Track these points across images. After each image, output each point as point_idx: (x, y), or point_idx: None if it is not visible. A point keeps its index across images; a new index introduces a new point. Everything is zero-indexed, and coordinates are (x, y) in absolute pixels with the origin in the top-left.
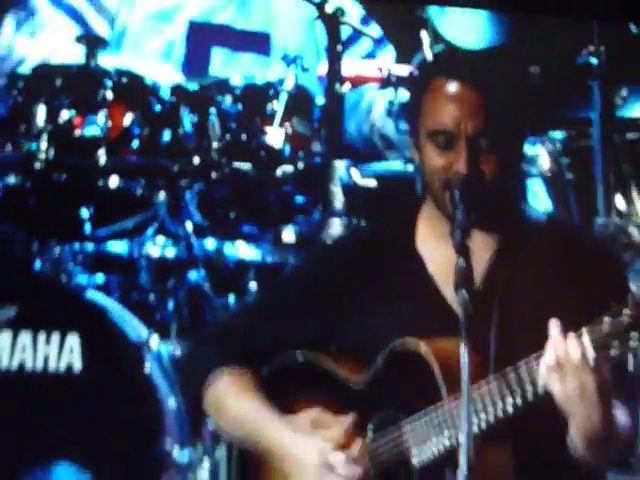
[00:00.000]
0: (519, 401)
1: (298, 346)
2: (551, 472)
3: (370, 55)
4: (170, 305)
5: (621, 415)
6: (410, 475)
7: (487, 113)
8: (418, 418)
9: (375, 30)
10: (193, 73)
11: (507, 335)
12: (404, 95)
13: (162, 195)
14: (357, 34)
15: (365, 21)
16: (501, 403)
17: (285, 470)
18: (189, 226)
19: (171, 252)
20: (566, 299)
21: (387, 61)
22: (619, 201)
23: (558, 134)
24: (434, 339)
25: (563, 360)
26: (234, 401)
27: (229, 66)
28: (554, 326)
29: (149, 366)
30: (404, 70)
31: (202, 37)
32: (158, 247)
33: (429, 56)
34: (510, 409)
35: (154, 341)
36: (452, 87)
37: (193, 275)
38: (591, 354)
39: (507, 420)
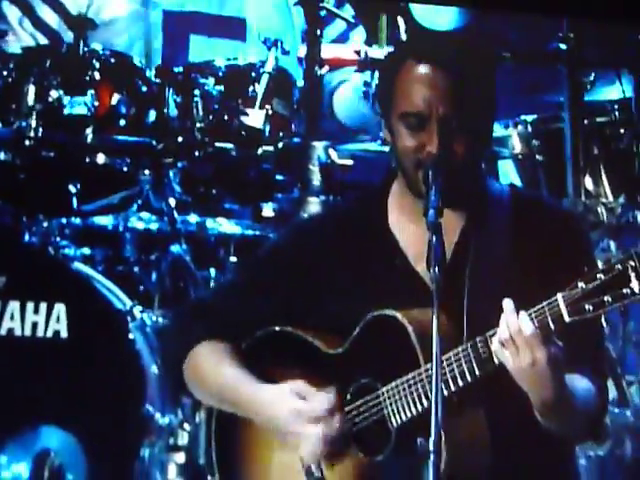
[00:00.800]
0: (487, 368)
1: (276, 322)
2: (524, 436)
3: (343, 37)
4: (153, 277)
5: (586, 388)
6: (387, 437)
7: (458, 94)
8: (396, 384)
9: (349, 13)
10: (173, 61)
11: (479, 305)
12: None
13: (147, 172)
14: (331, 16)
15: (339, 3)
16: (469, 370)
17: (264, 430)
18: (172, 202)
19: (155, 226)
20: (534, 268)
21: (360, 43)
22: (588, 182)
23: (529, 117)
24: (410, 310)
25: (515, 336)
26: (214, 368)
27: (207, 53)
28: (507, 306)
29: (133, 334)
30: (381, 53)
31: (179, 25)
32: (142, 222)
33: (402, 38)
34: (477, 374)
35: (138, 311)
36: (423, 69)
37: (176, 249)
38: (567, 318)
39: (479, 385)
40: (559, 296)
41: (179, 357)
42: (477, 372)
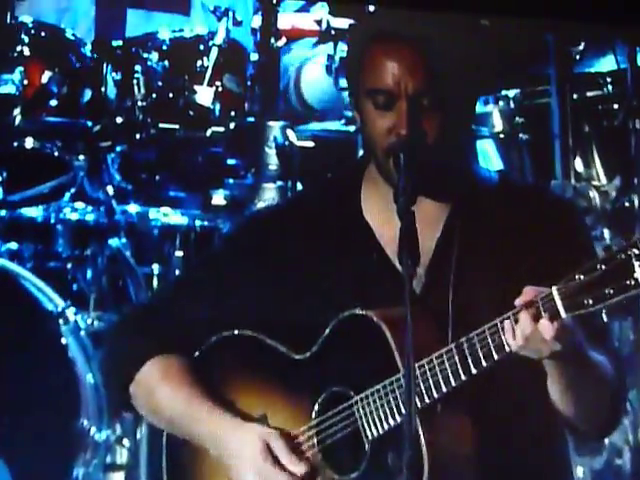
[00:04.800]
0: (472, 371)
1: (234, 325)
2: (512, 442)
3: (303, 9)
4: (89, 274)
5: (603, 361)
6: (362, 451)
7: (429, 69)
8: (370, 393)
9: None
10: (110, 34)
11: (466, 302)
12: (343, 50)
13: (81, 157)
14: None
15: None
16: (454, 373)
17: (222, 459)
18: (110, 190)
19: (90, 218)
20: (527, 261)
21: (325, 13)
22: (578, 163)
23: (511, 91)
24: (386, 308)
25: (536, 327)
26: (169, 394)
27: (148, 25)
28: (528, 292)
29: (65, 339)
30: (344, 23)
31: None
32: (76, 213)
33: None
34: (463, 378)
35: (71, 312)
36: (391, 42)
37: (114, 242)
38: (563, 313)
39: (466, 390)
40: (554, 290)
41: (124, 378)
42: (462, 376)
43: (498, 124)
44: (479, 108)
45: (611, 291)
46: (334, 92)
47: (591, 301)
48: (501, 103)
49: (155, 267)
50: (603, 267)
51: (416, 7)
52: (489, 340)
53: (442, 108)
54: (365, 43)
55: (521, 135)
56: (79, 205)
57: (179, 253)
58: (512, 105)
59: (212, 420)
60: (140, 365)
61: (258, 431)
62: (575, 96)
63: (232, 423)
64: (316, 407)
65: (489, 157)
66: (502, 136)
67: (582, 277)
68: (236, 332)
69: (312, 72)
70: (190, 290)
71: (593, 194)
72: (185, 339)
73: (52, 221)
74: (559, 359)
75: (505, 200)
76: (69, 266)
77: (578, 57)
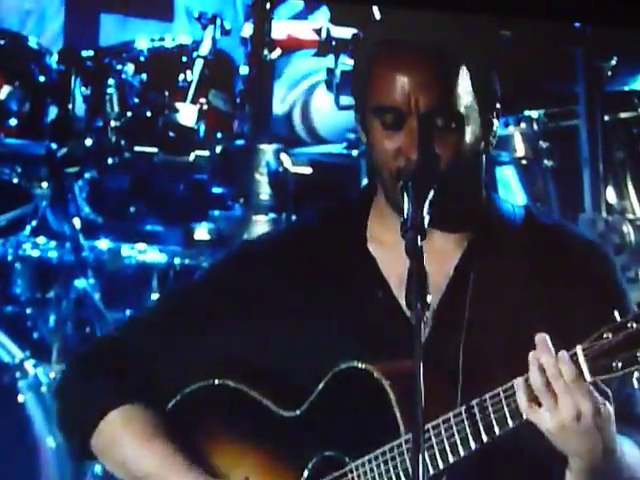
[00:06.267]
0: (483, 439)
1: (213, 374)
2: None
3: (300, 16)
4: (51, 321)
5: (631, 452)
6: None
7: (443, 84)
8: (367, 460)
9: None
10: (80, 43)
11: (479, 354)
12: (346, 63)
13: (44, 185)
14: None
15: None
16: (462, 441)
17: None
18: (77, 223)
19: (54, 255)
20: (550, 310)
21: (324, 22)
22: (610, 193)
23: (535, 112)
24: (389, 361)
25: (554, 381)
26: (135, 451)
27: (124, 33)
28: (542, 342)
29: (23, 396)
30: (346, 32)
31: (84, 2)
32: (38, 249)
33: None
34: (472, 447)
35: (30, 365)
36: (401, 52)
37: (81, 283)
38: (588, 377)
39: (474, 460)
40: (578, 349)
41: (85, 426)
42: (472, 444)
43: (520, 149)
44: (499, 130)
45: None
46: (342, 117)
47: (620, 364)
48: (523, 125)
49: (128, 312)
50: (634, 325)
51: (431, 11)
52: (504, 404)
53: (457, 129)
54: (372, 53)
55: (546, 161)
56: (41, 240)
57: (155, 296)
58: (536, 127)
59: None
60: (103, 413)
61: None
62: (607, 117)
63: None
64: (305, 473)
65: (510, 186)
66: (524, 162)
67: (611, 335)
68: (216, 382)
69: (323, 98)
70: (162, 328)
71: (627, 229)
72: (156, 387)
73: (9, 258)
74: (582, 433)
75: (528, 239)
76: (29, 311)
77: (610, 73)
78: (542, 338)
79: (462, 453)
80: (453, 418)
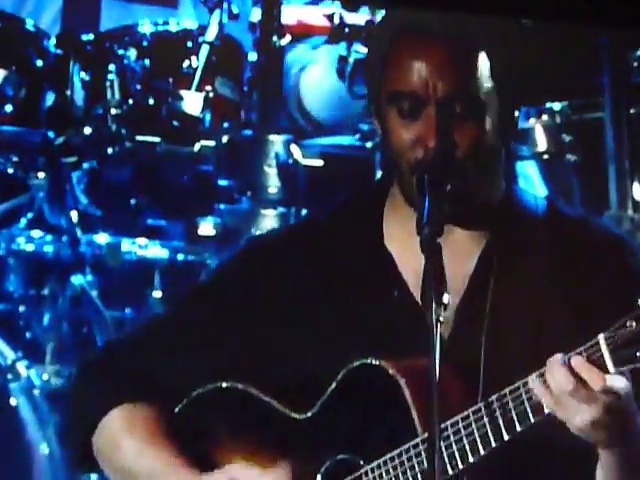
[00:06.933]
0: (504, 436)
1: (222, 376)
2: None
3: (312, 1)
4: (46, 319)
5: None
6: None
7: (463, 70)
8: (383, 462)
9: None
10: (80, 27)
11: (501, 352)
12: (359, 51)
13: (41, 175)
14: None
15: None
16: (482, 439)
17: None
18: (75, 216)
19: (50, 249)
20: (574, 305)
21: (336, 7)
22: (636, 190)
23: (557, 104)
24: (405, 359)
25: (580, 381)
26: (135, 449)
27: (125, 20)
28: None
29: (15, 399)
30: (360, 19)
31: None
32: (33, 243)
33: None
34: (493, 445)
35: (22, 366)
36: (418, 37)
37: (78, 280)
38: (611, 368)
39: (494, 459)
40: (601, 338)
41: (86, 427)
42: (493, 443)
43: (542, 142)
44: (520, 123)
45: None
46: (343, 100)
47: None
48: (545, 117)
49: (128, 311)
50: None
51: (451, 8)
52: (524, 398)
53: (477, 117)
54: (388, 39)
55: (569, 156)
56: (36, 234)
57: (157, 294)
58: (558, 120)
59: None
60: (104, 412)
61: (226, 474)
62: (633, 110)
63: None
64: (319, 478)
65: (530, 181)
66: (546, 157)
67: (634, 324)
68: (224, 384)
69: (314, 76)
70: (170, 331)
71: None
72: (162, 390)
73: (2, 253)
74: (611, 436)
75: (551, 233)
76: (22, 309)
77: (636, 64)
78: (556, 359)
79: (482, 451)
80: (472, 415)
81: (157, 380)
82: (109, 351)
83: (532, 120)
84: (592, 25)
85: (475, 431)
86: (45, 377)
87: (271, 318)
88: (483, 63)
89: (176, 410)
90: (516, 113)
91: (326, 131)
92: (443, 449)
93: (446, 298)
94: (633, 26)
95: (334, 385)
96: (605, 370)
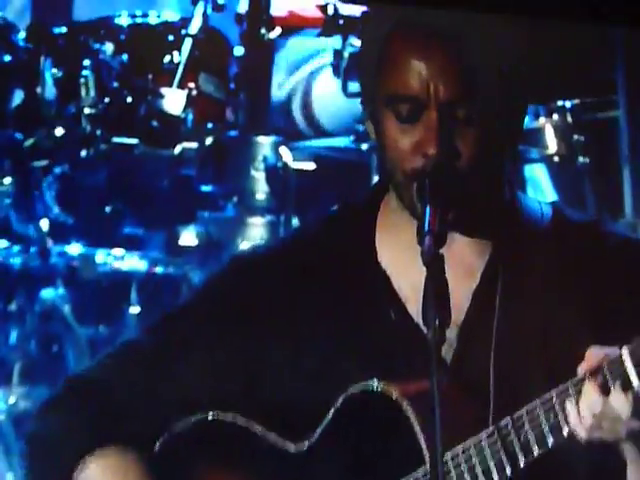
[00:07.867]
0: (519, 462)
1: (208, 406)
2: None
3: None
4: (13, 336)
5: None
6: None
7: (467, 71)
8: None
9: None
10: (48, 21)
11: (511, 373)
12: (354, 45)
13: (7, 181)
14: None
15: None
16: (497, 466)
17: None
18: (45, 225)
19: (17, 261)
20: (588, 317)
21: None
22: None
23: (568, 102)
24: (409, 382)
25: (607, 401)
26: None
27: (101, 11)
28: (594, 356)
29: None
30: (355, 10)
31: None
32: None
33: None
34: (508, 473)
35: None
36: (418, 34)
37: (48, 294)
38: (636, 383)
39: None
40: (624, 351)
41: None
42: (507, 469)
43: (552, 144)
44: (528, 123)
45: None
46: (348, 106)
47: None
48: (555, 116)
49: (102, 328)
50: None
51: (456, 6)
52: (542, 419)
53: (481, 121)
54: (384, 35)
55: (581, 158)
56: (2, 244)
57: (134, 309)
58: (569, 119)
59: None
60: (77, 460)
61: None
62: None
63: None
64: None
65: (540, 186)
66: (557, 159)
67: None
68: (210, 416)
69: (327, 84)
70: (147, 356)
71: None
72: (140, 426)
73: None
74: None
75: (560, 241)
76: None
77: None
78: (596, 355)
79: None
80: (486, 439)
81: (132, 416)
82: (73, 390)
83: (542, 119)
84: (606, 23)
85: (488, 457)
86: (12, 400)
87: (259, 339)
88: (488, 63)
89: (156, 448)
90: (523, 114)
91: (318, 134)
92: (455, 478)
93: (450, 315)
94: None
95: (333, 412)
96: (629, 384)
